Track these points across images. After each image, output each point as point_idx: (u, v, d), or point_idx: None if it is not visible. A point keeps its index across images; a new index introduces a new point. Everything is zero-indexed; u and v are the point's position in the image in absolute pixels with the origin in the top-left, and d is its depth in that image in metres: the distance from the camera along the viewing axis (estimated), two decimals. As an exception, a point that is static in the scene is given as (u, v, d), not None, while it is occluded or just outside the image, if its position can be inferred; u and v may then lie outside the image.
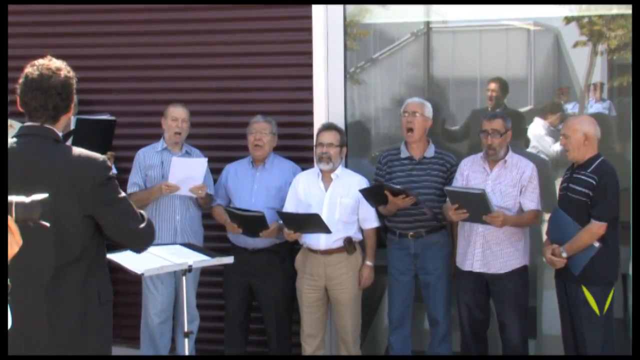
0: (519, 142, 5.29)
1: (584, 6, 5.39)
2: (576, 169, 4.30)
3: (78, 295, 2.95)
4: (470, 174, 4.58)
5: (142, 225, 3.03)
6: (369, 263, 4.70)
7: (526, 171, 4.49)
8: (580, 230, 4.19)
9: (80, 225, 2.93)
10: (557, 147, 5.36)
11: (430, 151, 4.72)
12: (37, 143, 2.95)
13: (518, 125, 5.33)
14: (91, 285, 2.99)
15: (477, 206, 4.26)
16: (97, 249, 3.02)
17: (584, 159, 4.26)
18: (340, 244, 4.63)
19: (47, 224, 2.23)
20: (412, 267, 4.71)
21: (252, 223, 4.59)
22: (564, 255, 4.22)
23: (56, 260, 2.90)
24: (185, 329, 4.00)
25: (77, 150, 2.97)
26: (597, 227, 4.16)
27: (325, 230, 4.43)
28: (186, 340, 4.01)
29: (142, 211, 3.10)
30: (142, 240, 3.11)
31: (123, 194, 3.02)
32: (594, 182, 4.17)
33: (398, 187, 4.42)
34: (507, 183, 4.49)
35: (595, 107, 5.55)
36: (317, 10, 5.08)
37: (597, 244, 4.17)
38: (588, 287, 4.21)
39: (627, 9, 5.03)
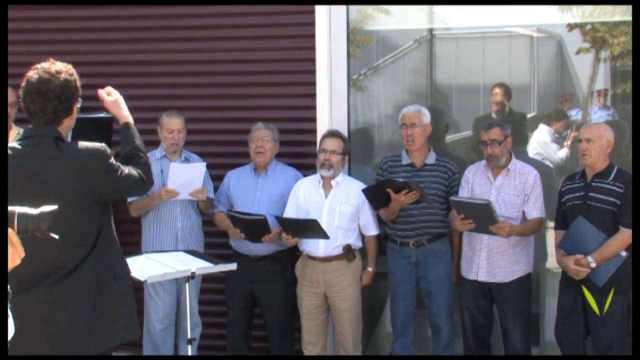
0: (522, 147, 5.28)
1: (587, 13, 5.38)
2: (594, 177, 4.26)
3: (94, 278, 3.02)
4: (475, 182, 4.57)
5: (143, 185, 3.27)
6: (370, 269, 4.76)
7: (529, 179, 4.46)
8: (606, 240, 4.15)
9: (92, 212, 3.03)
10: (562, 154, 5.34)
11: (432, 158, 4.72)
12: (40, 143, 2.98)
13: (521, 129, 5.33)
14: (106, 264, 3.07)
15: (483, 216, 4.23)
16: (106, 229, 3.11)
17: (602, 167, 4.24)
18: (339, 251, 4.63)
19: (56, 236, 2.19)
20: (413, 275, 4.69)
21: (254, 227, 4.58)
22: (593, 265, 4.15)
23: (73, 256, 2.97)
24: (188, 336, 3.99)
25: (79, 144, 3.03)
26: (628, 235, 4.12)
27: (324, 235, 4.43)
28: (189, 347, 4.00)
29: (137, 169, 3.23)
30: (143, 190, 3.44)
31: (120, 168, 3.13)
32: (621, 191, 4.15)
33: (401, 180, 4.41)
34: (510, 192, 4.46)
35: (599, 114, 5.53)
36: (320, 17, 5.08)
37: (624, 253, 4.13)
38: (609, 295, 4.14)
39: (629, 16, 5.03)
